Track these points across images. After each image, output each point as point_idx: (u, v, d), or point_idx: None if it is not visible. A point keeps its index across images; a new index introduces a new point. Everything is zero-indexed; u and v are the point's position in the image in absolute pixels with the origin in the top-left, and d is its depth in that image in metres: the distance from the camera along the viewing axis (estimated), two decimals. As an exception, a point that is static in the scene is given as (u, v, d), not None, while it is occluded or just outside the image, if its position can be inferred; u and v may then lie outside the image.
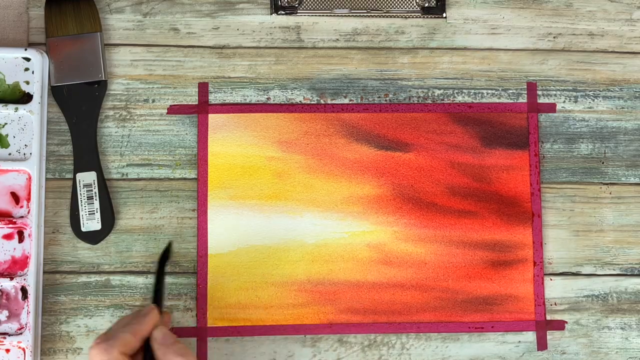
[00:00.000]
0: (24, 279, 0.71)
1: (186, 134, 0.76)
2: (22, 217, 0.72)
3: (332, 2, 0.78)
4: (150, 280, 0.74)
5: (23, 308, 0.71)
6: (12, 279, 0.71)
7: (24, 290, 0.71)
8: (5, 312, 0.71)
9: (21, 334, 0.70)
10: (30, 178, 0.72)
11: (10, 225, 0.72)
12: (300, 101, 0.77)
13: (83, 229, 0.73)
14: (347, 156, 0.76)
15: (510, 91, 0.78)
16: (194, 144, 0.76)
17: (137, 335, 0.64)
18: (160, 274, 0.69)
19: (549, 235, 0.76)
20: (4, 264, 0.72)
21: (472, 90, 0.77)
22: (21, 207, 0.72)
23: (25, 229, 0.72)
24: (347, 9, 0.78)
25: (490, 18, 0.78)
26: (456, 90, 0.77)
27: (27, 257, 0.72)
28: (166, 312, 0.70)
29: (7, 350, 0.70)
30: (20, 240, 0.72)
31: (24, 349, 0.70)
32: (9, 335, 0.70)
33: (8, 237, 0.72)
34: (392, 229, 0.75)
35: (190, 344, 0.73)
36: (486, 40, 0.78)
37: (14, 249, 0.72)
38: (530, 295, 0.75)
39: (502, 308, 0.75)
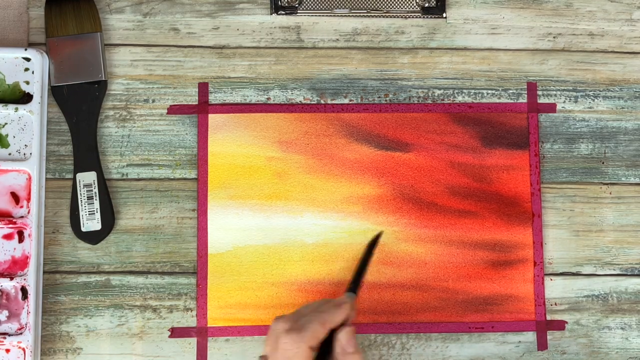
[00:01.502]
0: (24, 279, 0.71)
1: (186, 134, 0.76)
2: (22, 217, 0.72)
3: (332, 2, 0.78)
4: (150, 280, 0.74)
5: (23, 308, 0.71)
6: (12, 279, 0.71)
7: (24, 290, 0.71)
8: (5, 312, 0.71)
9: (21, 334, 0.70)
10: (30, 178, 0.72)
11: (10, 225, 0.72)
12: (300, 101, 0.77)
13: (83, 229, 0.73)
14: (347, 156, 0.76)
15: (511, 91, 0.78)
16: (194, 144, 0.76)
17: (326, 327, 0.63)
18: (365, 262, 0.69)
19: (549, 235, 0.76)
20: (4, 264, 0.72)
21: (472, 90, 0.77)
22: (21, 207, 0.72)
23: (25, 229, 0.72)
24: (347, 9, 0.78)
25: (490, 18, 0.78)
26: (456, 90, 0.77)
27: (27, 257, 0.72)
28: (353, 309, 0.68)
29: (7, 350, 0.70)
30: (20, 240, 0.72)
31: (24, 349, 0.70)
32: (9, 335, 0.70)
33: (8, 237, 0.72)
34: (392, 229, 0.75)
35: (190, 344, 0.73)
36: (486, 40, 0.78)
37: (14, 249, 0.72)
38: (530, 296, 0.75)
39: (502, 308, 0.75)
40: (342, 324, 0.64)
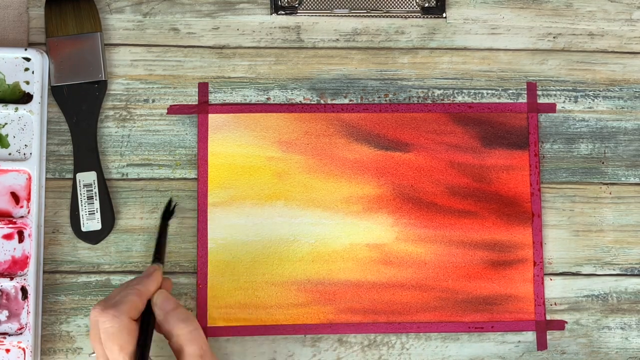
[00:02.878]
0: (24, 279, 0.71)
1: (186, 134, 0.76)
2: (22, 217, 0.72)
3: (332, 2, 0.78)
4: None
5: (23, 308, 0.71)
6: (12, 279, 0.71)
7: (24, 290, 0.71)
8: (5, 312, 0.71)
9: (21, 334, 0.70)
10: (30, 178, 0.72)
11: (10, 225, 0.72)
12: (300, 101, 0.77)
13: (83, 229, 0.73)
14: (347, 156, 0.76)
15: (510, 91, 0.78)
16: (194, 144, 0.76)
17: (142, 297, 0.62)
18: (162, 231, 0.69)
19: (549, 235, 0.76)
20: (4, 264, 0.72)
21: (472, 90, 0.77)
22: (21, 207, 0.72)
23: (25, 229, 0.72)
24: (347, 9, 0.78)
25: (490, 18, 0.78)
26: (456, 90, 0.77)
27: (27, 257, 0.72)
28: (167, 278, 0.69)
29: (7, 350, 0.70)
30: (20, 240, 0.72)
31: (24, 349, 0.70)
32: (9, 335, 0.70)
33: (8, 237, 0.72)
34: (392, 229, 0.75)
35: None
36: (486, 40, 0.78)
37: (14, 249, 0.72)
38: (530, 295, 0.75)
39: (502, 308, 0.75)
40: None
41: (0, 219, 0.71)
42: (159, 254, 0.68)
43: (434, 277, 0.75)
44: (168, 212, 0.71)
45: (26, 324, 0.71)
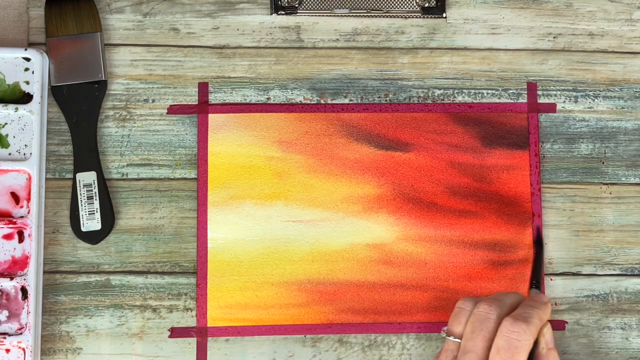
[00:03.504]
0: (24, 279, 0.71)
1: (186, 134, 0.76)
2: (22, 217, 0.72)
3: (332, 2, 0.78)
4: (150, 280, 0.73)
5: (23, 308, 0.71)
6: (12, 279, 0.71)
7: (24, 290, 0.71)
8: (5, 312, 0.71)
9: (21, 334, 0.70)
10: (30, 178, 0.72)
11: (10, 226, 0.72)
12: (300, 101, 0.77)
13: (83, 229, 0.73)
14: (347, 156, 0.76)
15: (511, 91, 0.78)
16: (194, 144, 0.76)
17: (542, 322, 0.64)
18: (540, 257, 0.73)
19: (549, 235, 0.76)
20: (4, 264, 0.72)
21: (472, 90, 0.77)
22: (21, 207, 0.72)
23: (25, 229, 0.72)
24: (347, 9, 0.78)
25: (490, 18, 0.78)
26: (456, 90, 0.77)
27: (27, 257, 0.72)
28: None
29: (7, 350, 0.70)
30: (20, 240, 0.72)
31: (24, 349, 0.70)
32: (9, 335, 0.70)
33: (8, 237, 0.72)
34: (392, 229, 0.75)
35: (190, 344, 0.73)
36: (486, 40, 0.78)
37: (14, 249, 0.72)
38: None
39: (502, 308, 0.74)
40: None
41: (0, 219, 0.71)
42: (538, 281, 0.71)
43: (434, 277, 0.75)
44: (540, 240, 0.74)
45: (26, 324, 0.70)
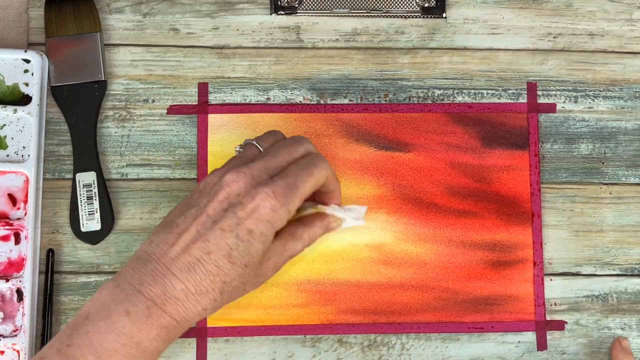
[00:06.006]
0: (20, 281, 0.71)
1: (186, 134, 0.76)
2: (19, 219, 0.72)
3: (332, 2, 0.78)
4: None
5: (18, 310, 0.71)
6: (7, 280, 0.71)
7: (19, 292, 0.71)
8: (0, 314, 0.71)
9: (16, 336, 0.70)
10: (27, 180, 0.72)
11: (7, 227, 0.72)
12: (300, 101, 0.77)
13: (83, 229, 0.73)
14: (347, 156, 0.76)
15: (510, 91, 0.77)
16: (194, 144, 0.76)
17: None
18: None
19: (549, 235, 0.76)
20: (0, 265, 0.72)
21: (472, 91, 0.77)
22: (18, 209, 0.72)
23: (22, 231, 0.72)
24: (347, 9, 0.78)
25: (490, 18, 0.78)
26: (456, 91, 0.77)
27: (23, 259, 0.72)
28: None
29: (2, 352, 0.70)
30: (17, 242, 0.72)
31: (18, 351, 0.70)
32: (4, 337, 0.70)
33: (4, 238, 0.72)
34: (392, 229, 0.75)
35: (190, 344, 0.73)
36: (486, 40, 0.78)
37: (10, 250, 0.72)
38: (530, 296, 0.75)
39: (502, 308, 0.75)
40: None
41: (-2, 221, 0.72)
42: None
43: (434, 277, 0.75)
44: None
45: (21, 326, 0.70)
